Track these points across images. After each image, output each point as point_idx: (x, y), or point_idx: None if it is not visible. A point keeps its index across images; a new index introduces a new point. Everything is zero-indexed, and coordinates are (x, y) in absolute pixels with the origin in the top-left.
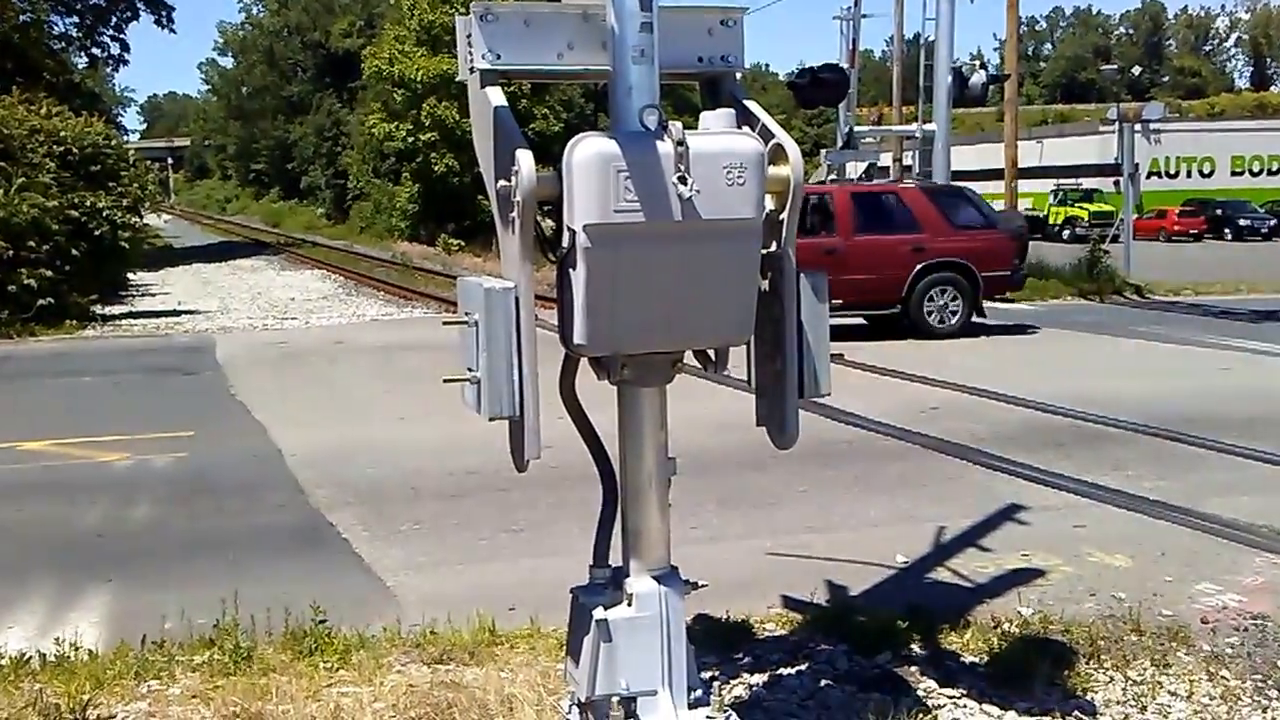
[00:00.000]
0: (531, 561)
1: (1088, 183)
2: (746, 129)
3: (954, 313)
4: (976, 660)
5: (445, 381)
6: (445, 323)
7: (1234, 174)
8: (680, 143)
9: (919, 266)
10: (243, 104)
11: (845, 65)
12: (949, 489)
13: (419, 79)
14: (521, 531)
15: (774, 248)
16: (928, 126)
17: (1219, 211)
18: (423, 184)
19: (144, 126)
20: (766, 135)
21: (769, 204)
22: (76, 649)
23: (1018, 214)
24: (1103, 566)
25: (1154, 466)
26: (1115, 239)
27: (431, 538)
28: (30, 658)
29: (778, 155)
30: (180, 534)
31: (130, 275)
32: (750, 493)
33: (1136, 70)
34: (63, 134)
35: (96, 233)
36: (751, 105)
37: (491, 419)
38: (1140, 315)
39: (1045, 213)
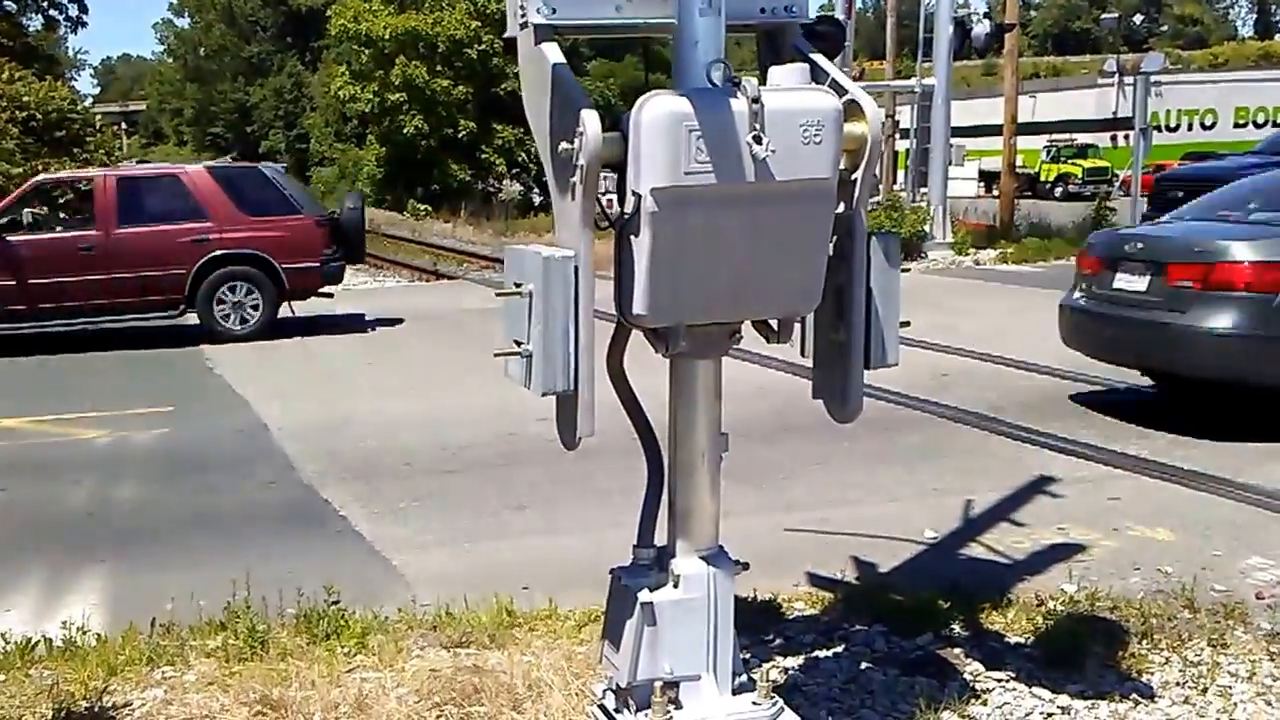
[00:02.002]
0: (539, 540)
1: (1083, 138)
2: (816, 84)
3: (255, 308)
4: (1022, 641)
5: (495, 355)
6: (498, 294)
7: (1237, 125)
8: (756, 100)
9: (204, 260)
10: (200, 65)
11: (842, 17)
12: (971, 460)
13: (386, 37)
14: (525, 509)
15: (843, 209)
16: (927, 81)
17: None
18: (390, 147)
19: (97, 90)
20: (839, 90)
21: (841, 163)
22: (84, 633)
23: (355, 195)
24: (1145, 541)
25: (1185, 435)
26: (1108, 196)
27: (432, 515)
28: (37, 644)
29: (852, 112)
30: (171, 512)
31: None
32: (760, 467)
33: (1137, 19)
34: (26, 99)
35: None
36: (819, 59)
37: (544, 394)
38: None
39: (1037, 170)
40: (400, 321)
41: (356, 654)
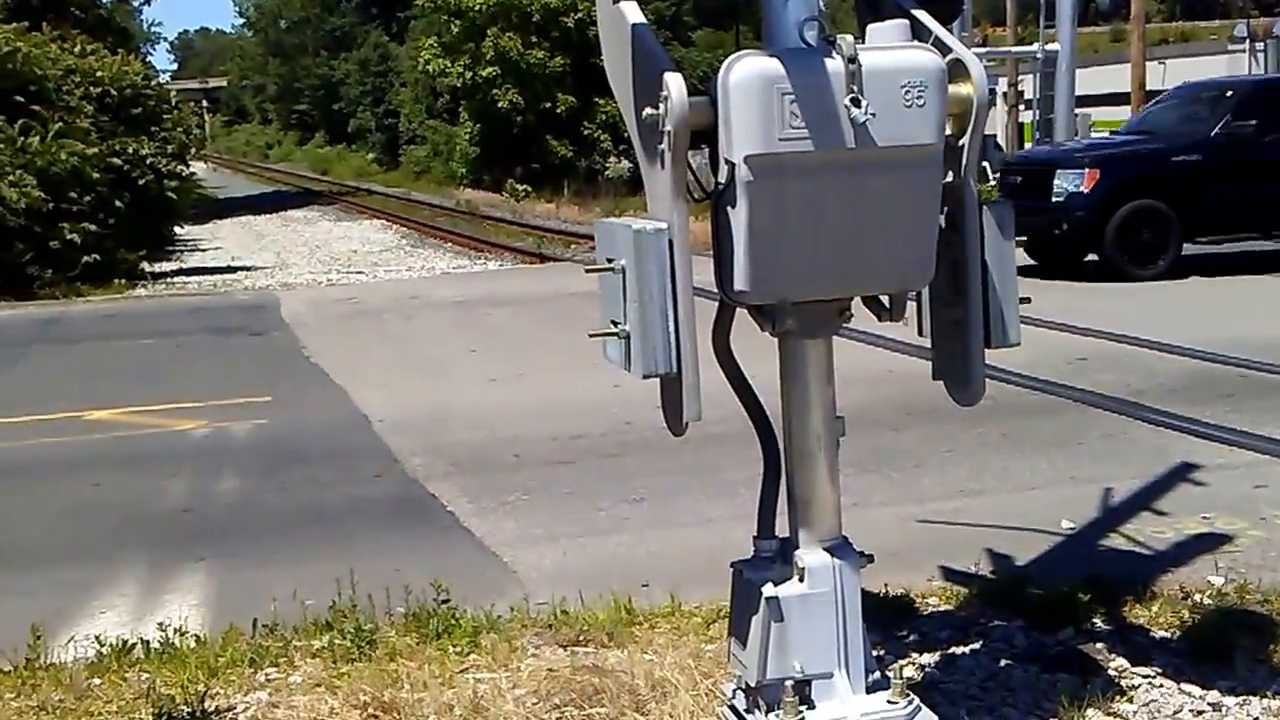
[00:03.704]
0: (658, 533)
1: None
2: (918, 43)
3: None
4: (1168, 635)
5: (591, 336)
6: (588, 270)
7: None
8: (852, 59)
9: None
10: (281, 39)
11: None
12: (1109, 447)
13: (477, 8)
14: (642, 501)
15: (951, 178)
16: (1050, 46)
17: None
18: (484, 124)
19: (175, 66)
20: (942, 49)
21: (947, 128)
22: (182, 634)
23: None
24: None
25: None
26: None
27: (544, 509)
28: (134, 646)
29: (956, 72)
30: (272, 508)
31: (177, 229)
32: (890, 455)
33: None
34: (99, 74)
35: (140, 182)
36: (922, 15)
37: (645, 377)
38: None
39: None
40: None
41: (469, 654)
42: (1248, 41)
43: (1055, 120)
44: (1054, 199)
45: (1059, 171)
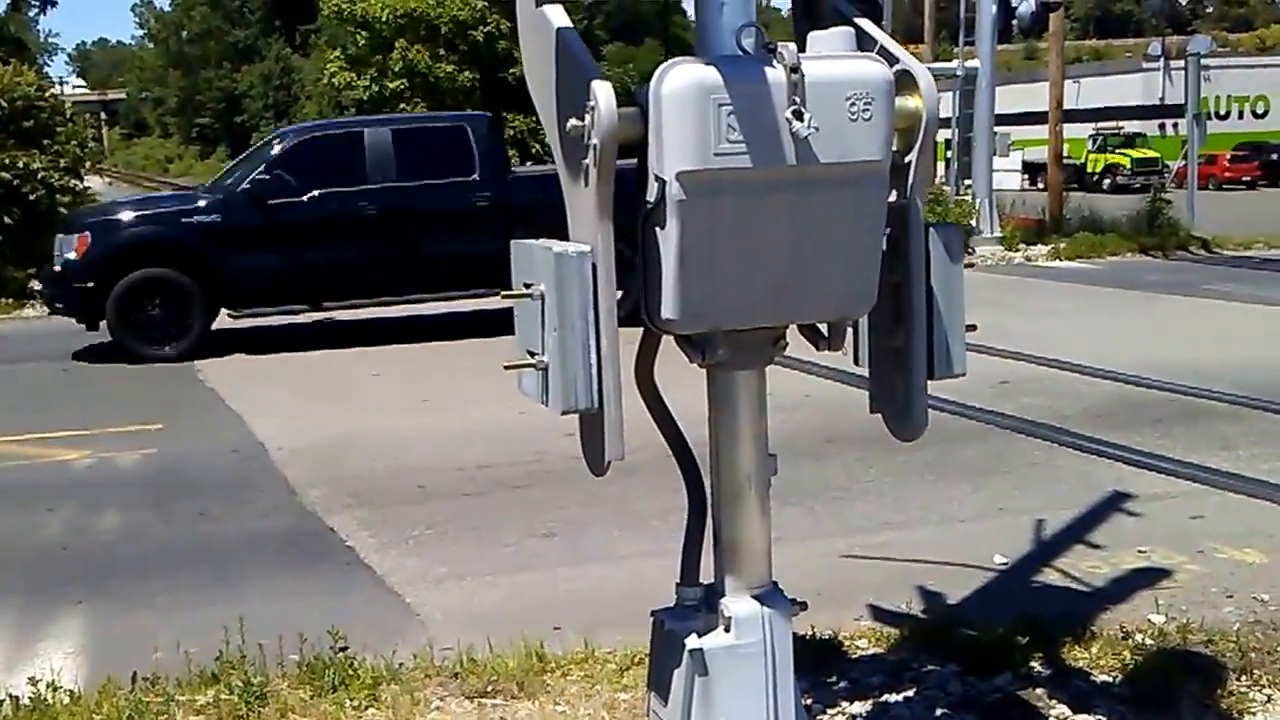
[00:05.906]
0: (570, 571)
1: (1130, 126)
2: (864, 52)
3: None
4: (1110, 679)
5: (506, 368)
6: (504, 296)
7: None
8: (794, 69)
9: None
10: (183, 51)
11: None
12: (1038, 475)
13: (385, 20)
14: (553, 536)
15: (896, 197)
16: (971, 63)
17: (1275, 156)
18: None
19: (74, 78)
20: (889, 59)
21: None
22: (55, 690)
23: None
24: (1235, 564)
25: (1269, 445)
26: (1161, 188)
27: (450, 544)
28: (1, 702)
29: (904, 84)
30: (158, 544)
31: None
32: (811, 485)
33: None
34: None
35: (31, 197)
36: (865, 24)
37: (564, 412)
38: (1212, 272)
39: (1083, 160)
40: None
41: (367, 708)
42: (1162, 60)
43: (976, 138)
44: (56, 268)
45: (59, 236)
